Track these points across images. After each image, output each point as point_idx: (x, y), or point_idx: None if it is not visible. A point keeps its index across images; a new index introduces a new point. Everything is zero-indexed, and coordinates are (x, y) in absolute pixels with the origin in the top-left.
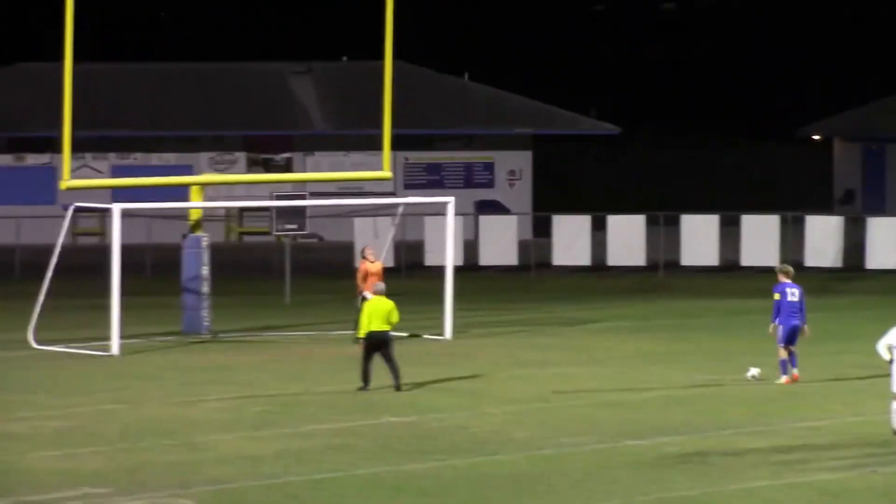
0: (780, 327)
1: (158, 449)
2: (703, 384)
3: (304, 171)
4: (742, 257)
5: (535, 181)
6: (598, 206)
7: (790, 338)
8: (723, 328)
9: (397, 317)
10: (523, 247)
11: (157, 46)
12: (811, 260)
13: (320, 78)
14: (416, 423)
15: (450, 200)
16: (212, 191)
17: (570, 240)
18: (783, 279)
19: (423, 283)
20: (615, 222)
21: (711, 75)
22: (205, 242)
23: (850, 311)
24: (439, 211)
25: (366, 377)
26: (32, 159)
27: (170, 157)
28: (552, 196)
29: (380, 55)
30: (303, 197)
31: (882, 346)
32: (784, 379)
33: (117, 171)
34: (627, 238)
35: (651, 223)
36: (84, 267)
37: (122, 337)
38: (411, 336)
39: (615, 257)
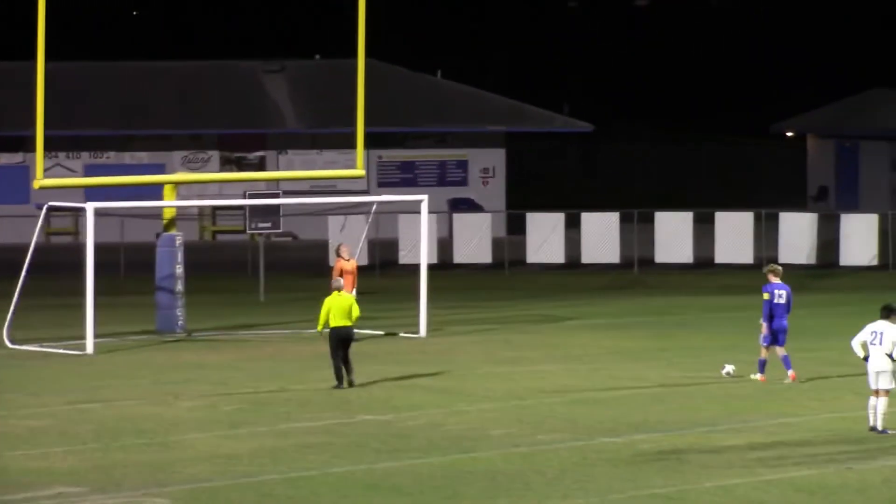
0: (764, 326)
1: (133, 448)
2: (679, 381)
3: (278, 169)
4: (716, 255)
5: (508, 179)
6: (572, 204)
7: (775, 338)
8: (697, 325)
9: (358, 311)
10: (497, 244)
11: (130, 45)
12: (785, 257)
13: (293, 76)
14: (392, 421)
15: (423, 198)
16: (185, 189)
17: (544, 237)
18: (773, 279)
19: (398, 281)
20: (589, 220)
21: (685, 72)
22: (178, 241)
23: (824, 307)
24: (413, 209)
25: (339, 375)
26: (5, 159)
27: (143, 156)
28: (526, 194)
29: (353, 53)
30: (276, 195)
31: (857, 343)
32: (759, 376)
33: (90, 170)
34: (602, 235)
35: (625, 220)
36: (58, 266)
37: (97, 336)
38: (387, 334)
39: (589, 255)
